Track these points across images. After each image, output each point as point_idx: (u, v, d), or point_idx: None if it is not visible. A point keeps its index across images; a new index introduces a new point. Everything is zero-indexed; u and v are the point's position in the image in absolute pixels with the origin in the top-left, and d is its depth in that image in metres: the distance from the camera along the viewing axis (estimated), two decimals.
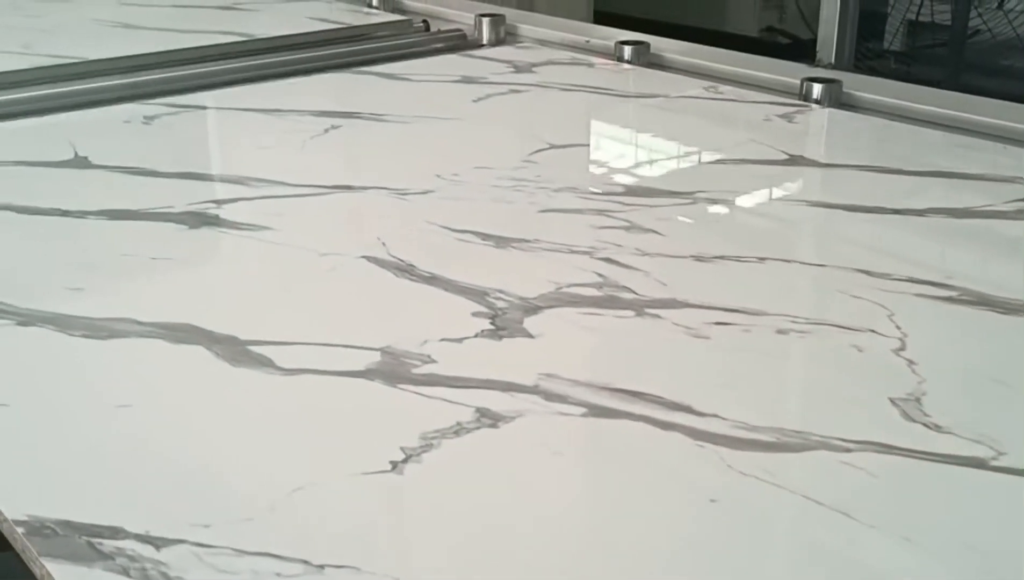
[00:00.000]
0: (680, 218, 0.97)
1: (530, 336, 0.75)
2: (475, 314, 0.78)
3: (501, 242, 0.91)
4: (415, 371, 0.70)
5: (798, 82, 1.33)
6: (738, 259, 0.88)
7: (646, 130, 1.29)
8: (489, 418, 0.65)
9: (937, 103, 1.26)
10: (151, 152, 1.16)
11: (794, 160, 1.13)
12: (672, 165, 1.14)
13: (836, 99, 1.30)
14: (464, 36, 1.82)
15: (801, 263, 0.88)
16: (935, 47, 4.47)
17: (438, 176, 1.08)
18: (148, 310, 0.79)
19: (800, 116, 1.28)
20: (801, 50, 4.78)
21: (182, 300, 0.82)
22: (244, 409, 0.67)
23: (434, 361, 0.72)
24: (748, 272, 0.86)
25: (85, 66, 1.62)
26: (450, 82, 1.46)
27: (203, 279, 0.86)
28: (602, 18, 4.45)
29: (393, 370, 0.71)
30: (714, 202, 1.01)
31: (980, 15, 4.36)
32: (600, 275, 0.84)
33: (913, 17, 4.51)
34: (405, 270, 0.86)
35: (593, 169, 1.14)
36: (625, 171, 1.13)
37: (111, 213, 0.98)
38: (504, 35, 1.72)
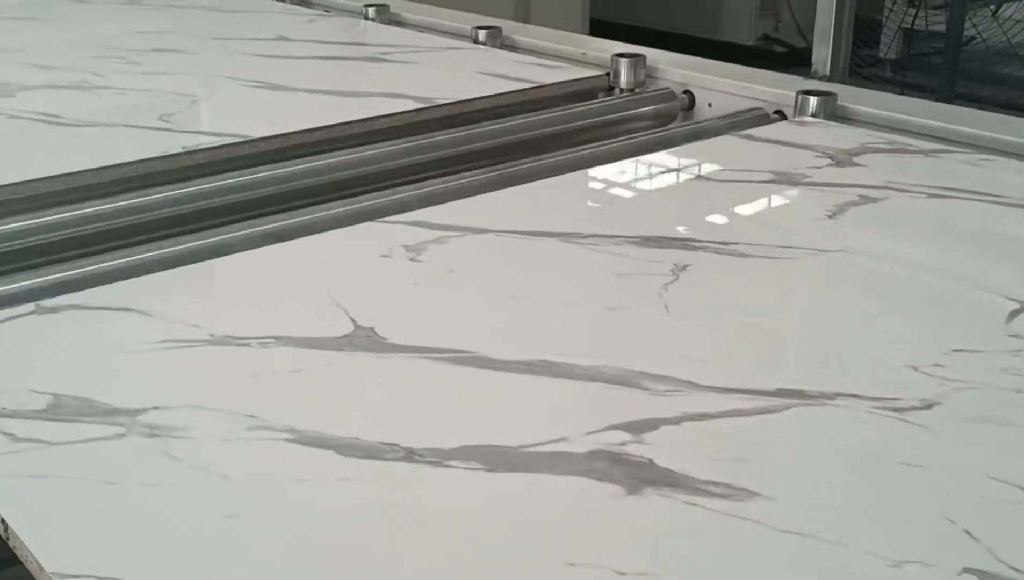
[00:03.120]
0: None
1: None
2: None
3: None
4: None
5: (792, 95, 1.31)
6: None
7: None
8: None
9: (930, 115, 1.23)
10: (457, 321, 0.80)
11: None
12: None
13: (831, 112, 1.29)
14: (672, 95, 1.50)
15: None
16: (930, 55, 4.32)
17: (914, 369, 0.72)
18: None
19: None
20: (797, 58, 4.68)
21: None
22: None
23: None
24: None
25: (250, 146, 1.26)
26: (764, 182, 1.10)
27: None
28: (598, 27, 4.36)
29: None
30: None
31: (975, 25, 4.28)
32: None
33: (908, 26, 4.34)
34: None
35: None
36: None
37: (478, 454, 0.61)
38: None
